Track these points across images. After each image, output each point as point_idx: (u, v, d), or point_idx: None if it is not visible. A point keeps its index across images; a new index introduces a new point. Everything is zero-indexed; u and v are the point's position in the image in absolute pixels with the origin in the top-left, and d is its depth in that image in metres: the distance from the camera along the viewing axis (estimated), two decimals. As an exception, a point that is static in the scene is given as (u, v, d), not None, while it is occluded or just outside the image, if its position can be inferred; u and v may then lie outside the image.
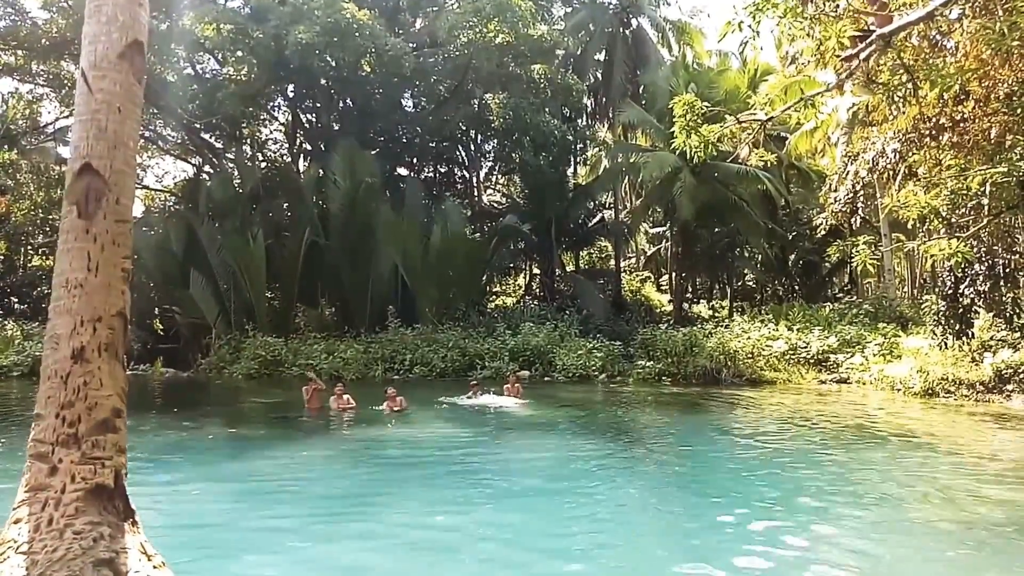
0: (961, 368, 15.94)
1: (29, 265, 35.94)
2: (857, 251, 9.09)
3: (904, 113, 8.96)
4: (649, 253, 41.93)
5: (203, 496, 8.10)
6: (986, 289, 16.61)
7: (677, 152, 8.09)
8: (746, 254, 32.58)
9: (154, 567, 3.74)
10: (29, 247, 36.15)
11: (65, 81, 29.18)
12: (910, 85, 7.68)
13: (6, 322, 27.43)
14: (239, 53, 27.65)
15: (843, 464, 9.70)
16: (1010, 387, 15.18)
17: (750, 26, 6.96)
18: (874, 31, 6.72)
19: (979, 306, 16.72)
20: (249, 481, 8.94)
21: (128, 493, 3.97)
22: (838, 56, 6.89)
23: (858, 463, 9.75)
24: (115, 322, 4.12)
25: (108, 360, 4.04)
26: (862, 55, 6.86)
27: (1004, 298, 16.59)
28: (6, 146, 31.69)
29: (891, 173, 13.36)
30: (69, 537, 3.51)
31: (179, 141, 33.93)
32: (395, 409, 14.00)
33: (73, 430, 3.82)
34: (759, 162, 8.67)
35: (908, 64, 7.51)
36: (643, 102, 29.87)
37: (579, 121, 34.57)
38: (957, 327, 17.06)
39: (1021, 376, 15.12)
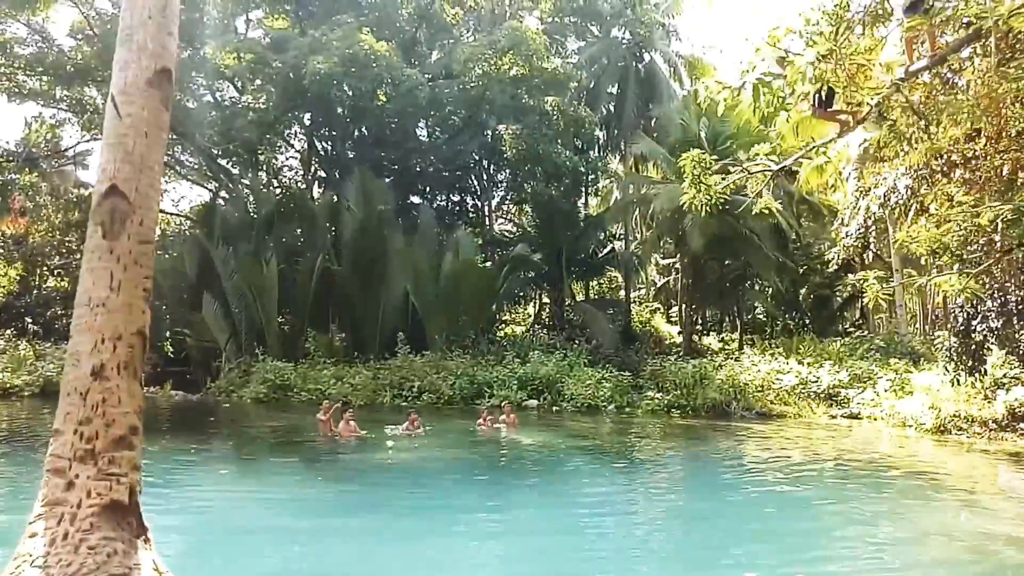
0: (973, 405, 15.77)
1: (44, 286, 36.33)
2: (868, 286, 9.09)
3: (916, 149, 9.02)
4: (659, 284, 41.88)
5: (213, 517, 8.11)
6: (999, 326, 16.49)
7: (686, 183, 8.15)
8: (756, 287, 32.47)
9: (165, 584, 3.77)
10: (45, 268, 36.55)
11: (87, 106, 29.76)
12: (921, 123, 7.76)
13: (20, 342, 27.68)
14: (258, 82, 28.22)
15: (854, 502, 9.59)
16: (1023, 425, 15.00)
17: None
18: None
19: (992, 343, 16.59)
20: (258, 504, 8.95)
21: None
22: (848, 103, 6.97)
23: (869, 501, 9.65)
24: (135, 341, 4.19)
25: (127, 378, 4.11)
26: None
27: (1017, 335, 16.46)
28: (27, 168, 32.27)
29: (903, 209, 13.39)
30: (84, 552, 3.55)
31: (196, 166, 34.43)
32: (411, 431, 14.48)
33: (90, 446, 3.88)
34: (768, 204, 8.77)
35: (920, 103, 7.60)
36: (655, 135, 30.10)
37: (591, 152, 34.81)
38: (969, 364, 16.91)
39: (1035, 414, 14.95)
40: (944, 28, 6.58)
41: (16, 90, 28.59)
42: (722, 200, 7.89)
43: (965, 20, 6.22)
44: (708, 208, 7.81)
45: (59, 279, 35.69)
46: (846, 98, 6.90)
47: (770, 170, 7.89)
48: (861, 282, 9.29)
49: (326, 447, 13.78)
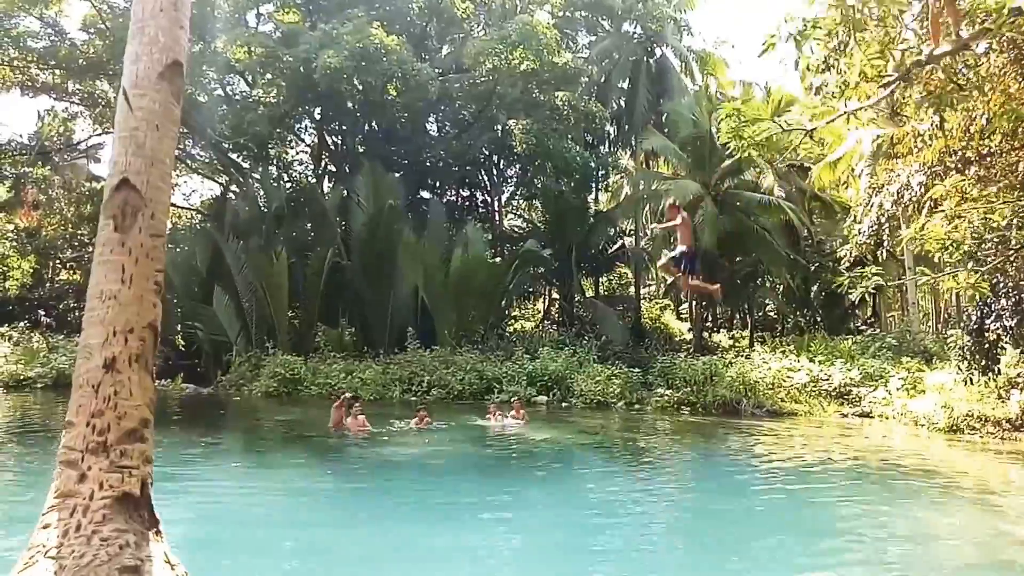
0: (987, 405, 15.65)
1: (57, 279, 36.61)
2: (863, 282, 9.01)
3: (930, 146, 8.92)
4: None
5: (223, 510, 8.15)
6: (1013, 324, 16.32)
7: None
8: (768, 284, 32.31)
9: (177, 576, 3.79)
10: (57, 261, 36.81)
11: (99, 100, 29.88)
12: (936, 118, 7.66)
13: (32, 334, 27.91)
14: (269, 76, 28.27)
15: (865, 502, 9.54)
16: (1037, 425, 14.87)
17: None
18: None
19: (1006, 342, 16.44)
20: (268, 497, 8.99)
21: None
22: (872, 81, 6.80)
23: (881, 501, 9.59)
24: (146, 334, 4.20)
25: (138, 371, 4.12)
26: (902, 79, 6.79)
27: (1031, 334, 16.29)
28: (40, 162, 32.51)
29: (916, 206, 13.25)
30: (96, 543, 3.56)
31: (207, 160, 34.56)
32: (421, 427, 14.62)
33: (102, 438, 3.89)
34: (779, 191, 8.68)
35: (934, 93, 7.47)
36: (666, 130, 29.95)
37: (601, 148, 34.69)
38: (983, 363, 16.77)
39: (1049, 414, 14.81)
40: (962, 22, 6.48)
41: (29, 84, 28.77)
42: (736, 184, 7.75)
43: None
44: (753, 150, 7.52)
45: (71, 272, 35.95)
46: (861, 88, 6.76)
47: (805, 129, 7.74)
48: (857, 279, 9.18)
49: (335, 441, 13.82)
